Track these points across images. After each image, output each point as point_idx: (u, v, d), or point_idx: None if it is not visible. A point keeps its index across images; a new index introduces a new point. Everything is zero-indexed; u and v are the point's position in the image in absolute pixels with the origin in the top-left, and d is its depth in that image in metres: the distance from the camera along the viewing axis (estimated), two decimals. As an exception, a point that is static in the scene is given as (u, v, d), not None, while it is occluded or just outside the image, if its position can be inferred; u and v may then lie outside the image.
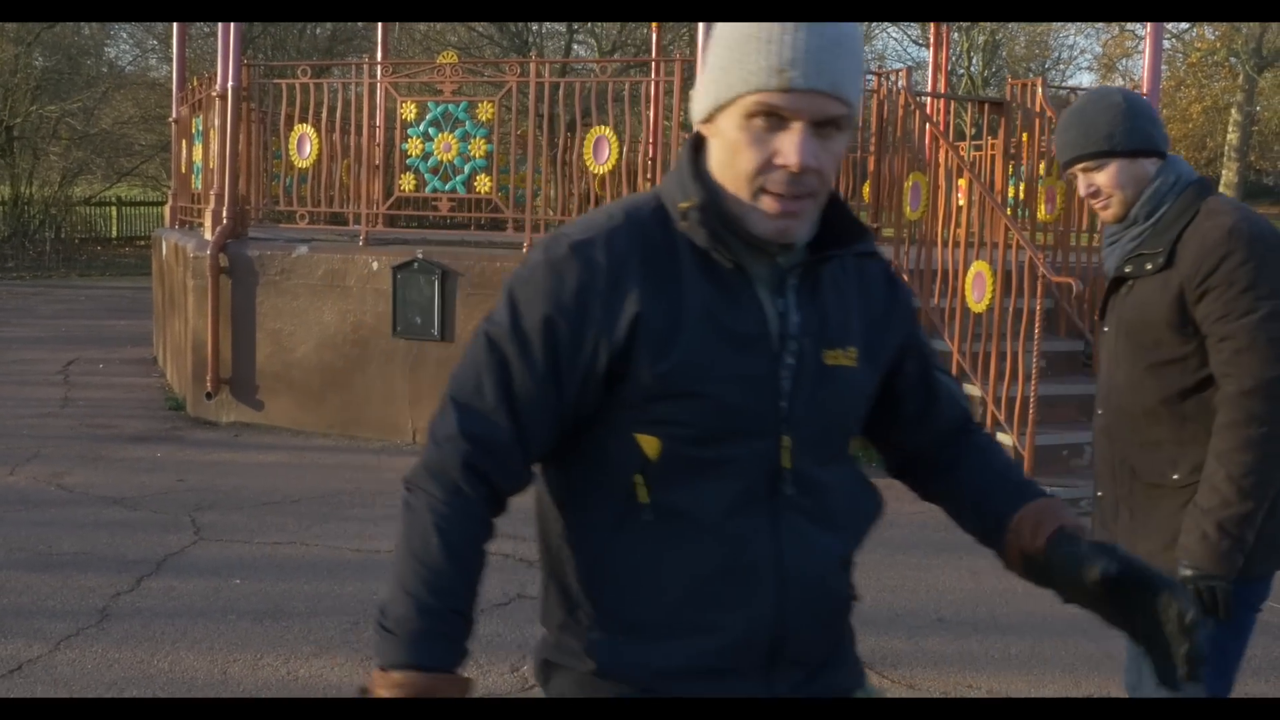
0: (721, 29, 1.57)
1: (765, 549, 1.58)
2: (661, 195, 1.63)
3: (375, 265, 8.50)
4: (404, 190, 8.94)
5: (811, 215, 1.57)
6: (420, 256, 8.37)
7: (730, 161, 1.55)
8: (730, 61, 1.53)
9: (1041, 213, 8.69)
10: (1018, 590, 5.45)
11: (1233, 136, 43.57)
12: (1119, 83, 43.94)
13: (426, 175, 8.78)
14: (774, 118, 1.50)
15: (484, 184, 8.64)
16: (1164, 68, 38.40)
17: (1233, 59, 44.08)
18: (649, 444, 1.57)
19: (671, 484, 1.57)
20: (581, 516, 1.65)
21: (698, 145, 1.64)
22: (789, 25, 1.50)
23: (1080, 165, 2.76)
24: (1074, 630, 5.07)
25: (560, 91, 8.80)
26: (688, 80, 8.20)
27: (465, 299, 8.25)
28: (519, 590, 5.35)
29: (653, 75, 8.53)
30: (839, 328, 1.65)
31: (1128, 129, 2.72)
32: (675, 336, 1.54)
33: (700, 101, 1.59)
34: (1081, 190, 2.80)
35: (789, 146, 1.50)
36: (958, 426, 1.83)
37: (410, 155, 8.79)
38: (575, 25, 28.19)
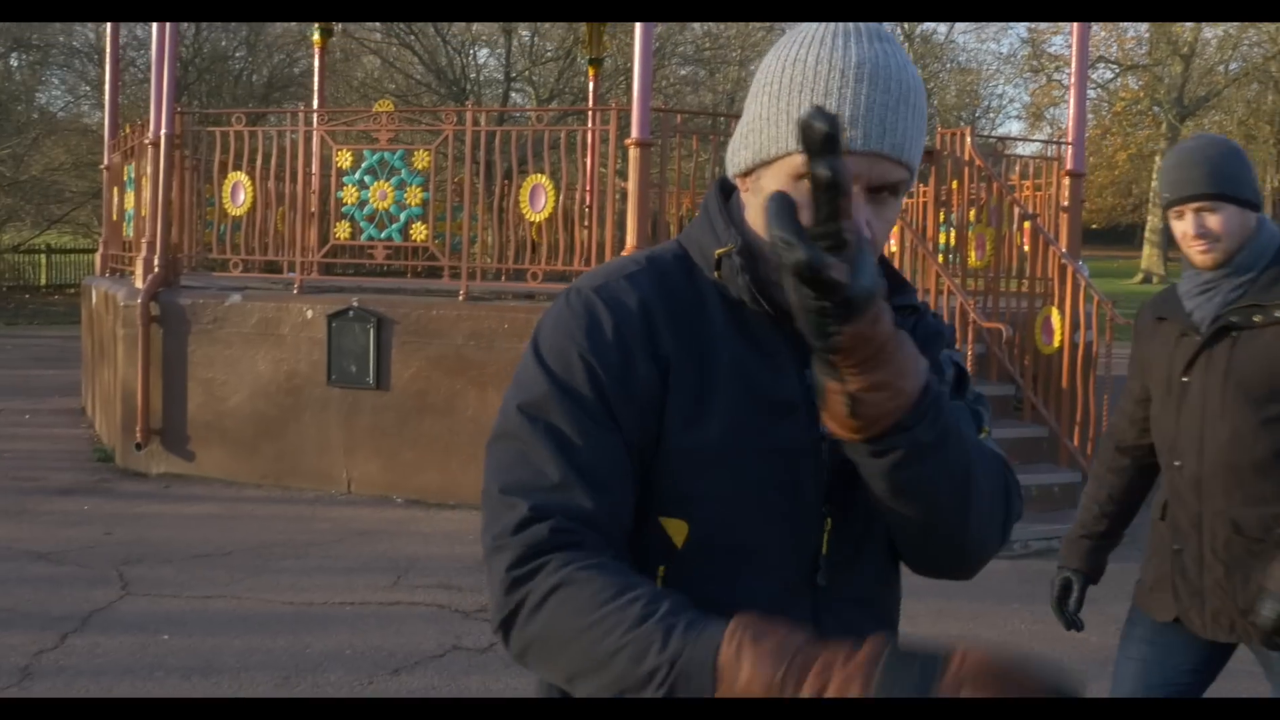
0: (769, 72, 1.38)
1: None
2: (685, 244, 1.48)
3: (310, 313, 8.44)
4: (339, 238, 8.89)
5: None
6: (355, 304, 8.32)
7: None
8: (779, 113, 1.35)
9: (972, 259, 8.82)
10: (953, 635, 5.48)
11: (1157, 184, 44.53)
12: (1046, 130, 44.92)
13: (362, 223, 8.74)
14: None
15: (420, 232, 8.61)
16: (1090, 116, 39.34)
17: (1156, 108, 45.20)
18: (676, 529, 1.38)
19: (701, 578, 1.37)
20: None
21: (725, 192, 1.49)
22: (850, 75, 1.32)
23: (1196, 204, 2.74)
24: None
25: (497, 139, 8.83)
26: (623, 128, 8.26)
27: (401, 347, 8.20)
28: (454, 641, 5.29)
29: (590, 123, 8.58)
30: None
31: (1246, 180, 2.78)
32: (708, 397, 1.37)
33: (740, 153, 1.42)
34: (1190, 229, 2.75)
35: None
36: None
37: (346, 203, 8.76)
38: (513, 74, 28.33)
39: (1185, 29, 44.79)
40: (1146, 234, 44.95)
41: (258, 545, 6.86)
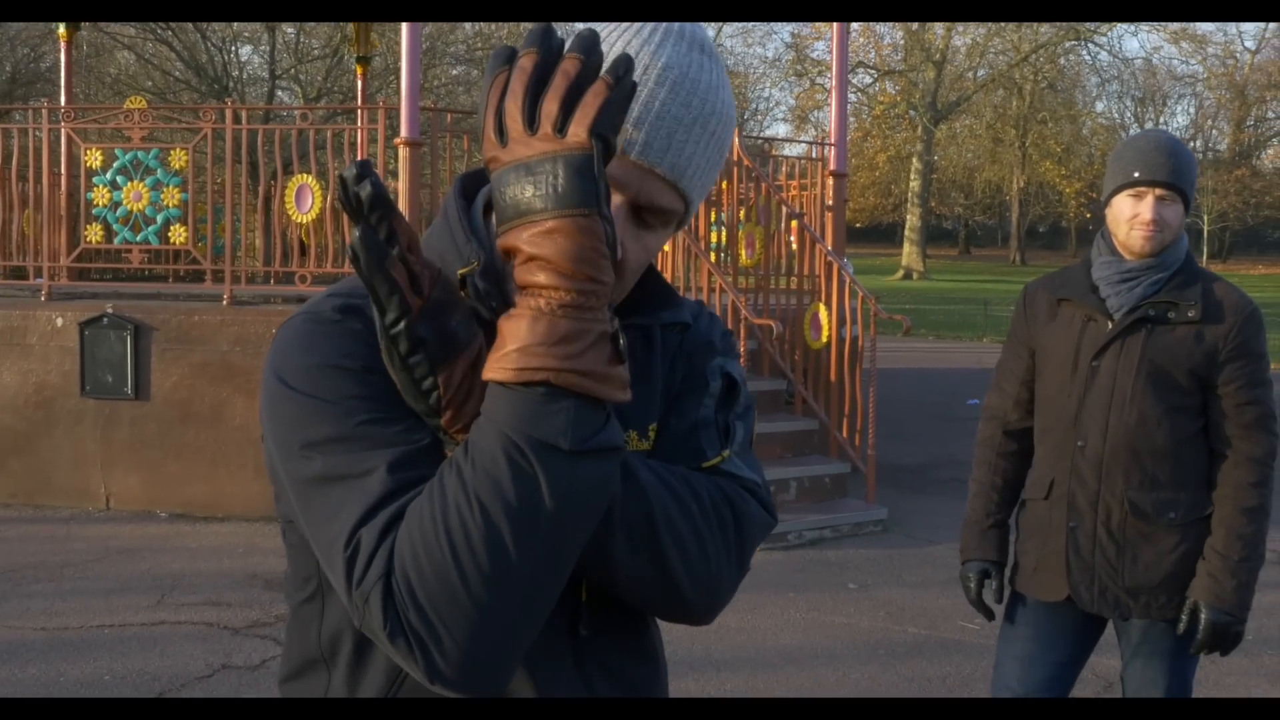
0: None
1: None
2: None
3: (60, 321, 7.96)
4: (91, 242, 8.42)
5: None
6: (110, 311, 7.90)
7: None
8: None
9: (743, 257, 9.01)
10: (730, 627, 5.58)
11: (915, 184, 46.77)
12: (810, 132, 46.50)
13: (116, 226, 8.30)
14: None
15: (179, 234, 8.24)
16: (851, 119, 40.89)
17: (911, 112, 47.34)
18: None
19: None
20: (349, 681, 1.28)
21: (468, 192, 1.31)
22: (651, 75, 1.18)
23: (1161, 190, 2.86)
24: (785, 661, 5.22)
25: (260, 139, 8.52)
26: (393, 127, 8.10)
27: (161, 355, 7.83)
28: (224, 660, 5.07)
29: (359, 123, 8.38)
30: (635, 407, 1.29)
31: (1195, 186, 2.94)
32: None
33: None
34: (1148, 212, 2.86)
35: None
36: None
37: (97, 205, 8.30)
38: (279, 71, 27.51)
39: (937, 36, 47.09)
40: (906, 232, 47.07)
41: (6, 569, 6.42)
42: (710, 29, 46.08)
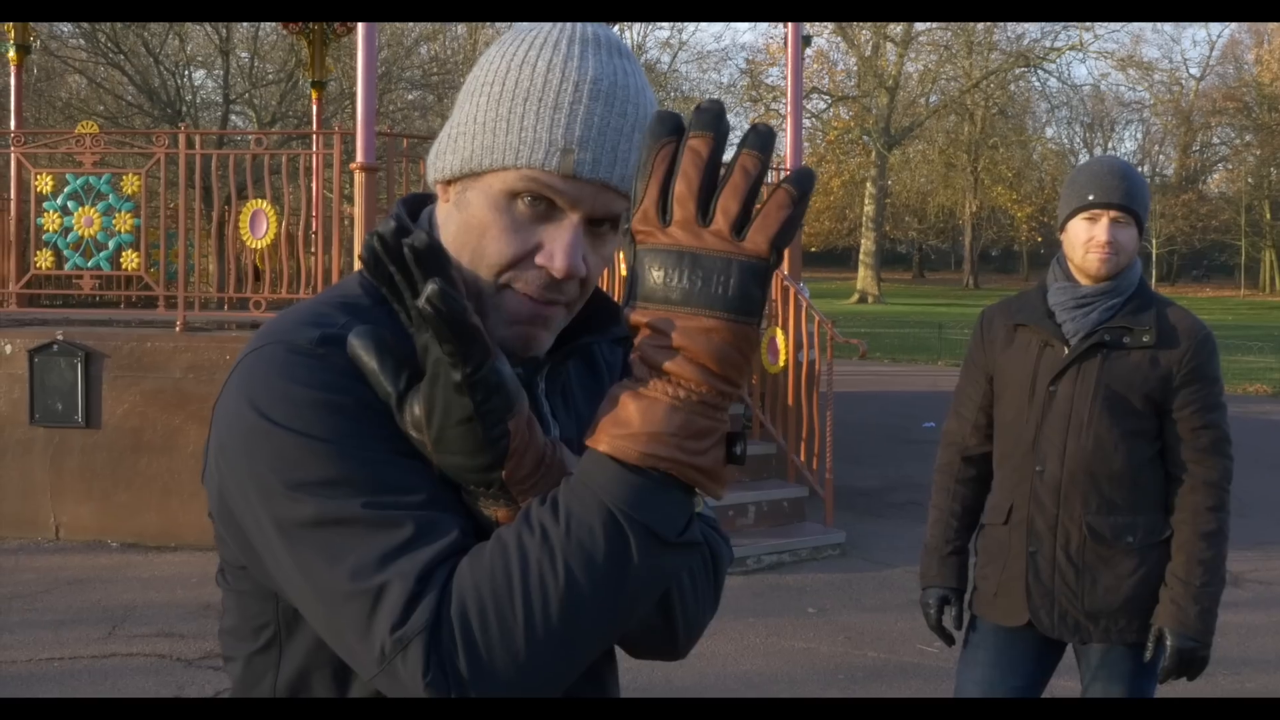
0: (492, 70, 1.21)
1: None
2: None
3: (9, 349, 7.85)
4: (41, 268, 8.32)
5: (562, 323, 1.25)
6: (60, 338, 7.79)
7: (474, 244, 1.20)
8: (497, 119, 1.18)
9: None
10: (691, 653, 5.54)
11: (869, 208, 47.14)
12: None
13: (66, 251, 8.21)
14: (544, 203, 1.18)
15: (132, 260, 8.15)
16: (805, 144, 41.19)
17: (865, 137, 47.76)
18: None
19: None
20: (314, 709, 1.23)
21: (414, 209, 1.30)
22: (584, 90, 1.17)
23: (1116, 213, 2.89)
24: (746, 687, 5.21)
25: (214, 163, 8.47)
26: (348, 152, 8.07)
27: (113, 382, 7.73)
28: (177, 693, 4.99)
29: (314, 147, 8.34)
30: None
31: (1148, 209, 2.97)
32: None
33: (446, 158, 1.23)
34: (1103, 234, 2.89)
35: (557, 246, 1.17)
36: None
37: (48, 230, 8.20)
38: (232, 96, 27.38)
39: (890, 63, 47.59)
40: (861, 256, 47.39)
41: (-48, 602, 6.29)
42: (664, 56, 46.33)
